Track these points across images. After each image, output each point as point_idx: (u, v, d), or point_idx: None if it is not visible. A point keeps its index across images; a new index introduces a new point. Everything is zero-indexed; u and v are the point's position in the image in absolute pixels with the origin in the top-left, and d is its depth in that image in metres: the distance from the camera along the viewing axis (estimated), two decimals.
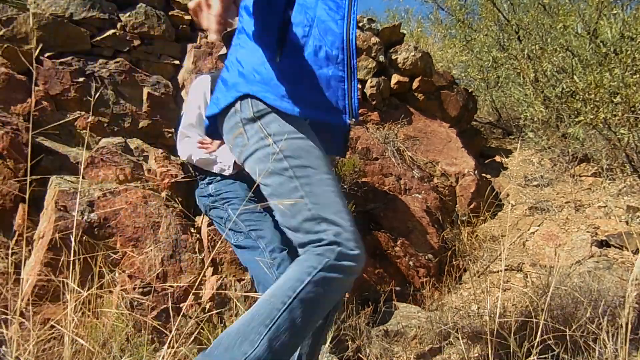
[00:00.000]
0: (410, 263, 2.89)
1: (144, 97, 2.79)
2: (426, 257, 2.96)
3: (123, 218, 2.18)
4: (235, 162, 2.20)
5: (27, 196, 1.37)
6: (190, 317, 2.05)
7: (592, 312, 1.77)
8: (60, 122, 2.43)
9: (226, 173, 2.22)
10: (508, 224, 3.27)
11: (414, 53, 3.90)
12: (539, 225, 3.33)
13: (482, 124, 5.30)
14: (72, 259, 1.44)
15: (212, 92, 2.33)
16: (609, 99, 3.56)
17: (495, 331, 1.44)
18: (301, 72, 1.34)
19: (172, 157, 2.61)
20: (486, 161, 4.31)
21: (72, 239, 1.45)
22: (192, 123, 2.30)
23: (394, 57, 3.88)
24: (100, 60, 2.74)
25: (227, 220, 2.17)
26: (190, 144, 2.28)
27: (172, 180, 2.45)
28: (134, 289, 2.02)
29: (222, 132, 1.45)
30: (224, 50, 2.54)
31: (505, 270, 2.75)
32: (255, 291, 2.08)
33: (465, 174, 3.66)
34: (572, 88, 3.84)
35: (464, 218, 3.40)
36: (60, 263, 1.85)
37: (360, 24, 3.82)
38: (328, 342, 1.89)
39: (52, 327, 1.52)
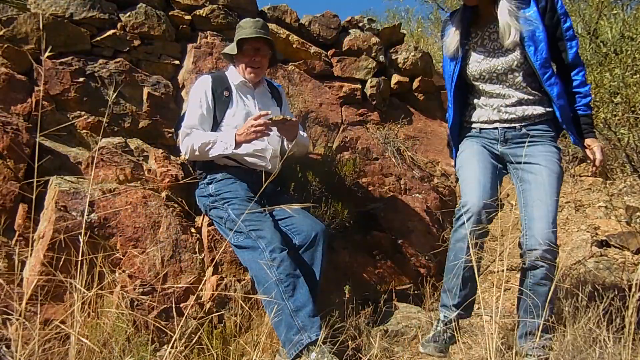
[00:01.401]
0: (411, 263, 2.89)
1: (144, 97, 2.79)
2: (426, 257, 2.95)
3: (123, 218, 2.18)
4: (235, 140, 2.18)
5: (34, 196, 1.37)
6: (193, 318, 2.04)
7: (592, 312, 1.77)
8: (66, 124, 2.43)
9: (228, 151, 2.19)
10: (508, 224, 3.27)
11: (414, 53, 3.90)
12: None
13: None
14: (80, 259, 1.44)
15: (213, 91, 2.34)
16: (609, 99, 3.56)
17: (495, 331, 1.44)
18: None
19: (172, 157, 2.61)
20: None
21: (80, 239, 1.45)
22: (194, 122, 2.29)
23: (394, 57, 3.88)
24: (100, 60, 2.74)
25: (227, 220, 2.17)
26: (191, 137, 2.27)
27: (172, 181, 2.45)
28: (134, 289, 2.02)
29: None
30: (227, 49, 2.51)
31: (505, 270, 2.74)
32: (256, 291, 2.08)
33: None
34: None
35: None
36: (61, 263, 1.85)
37: (360, 24, 3.82)
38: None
39: (54, 327, 1.52)
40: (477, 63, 1.99)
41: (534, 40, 1.85)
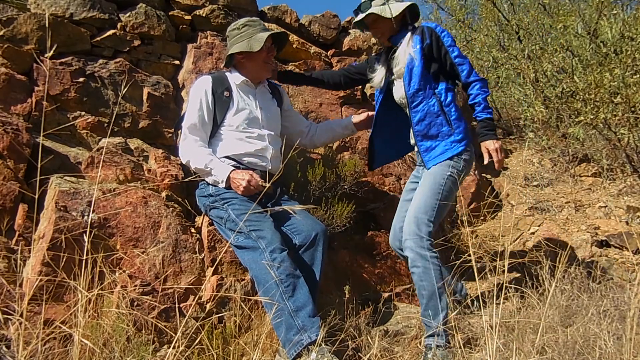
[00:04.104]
0: None
1: (144, 97, 2.79)
2: None
3: (123, 218, 2.18)
4: (228, 178, 2.19)
5: (36, 196, 1.37)
6: (193, 318, 2.04)
7: (592, 312, 1.77)
8: (66, 125, 2.43)
9: (220, 186, 2.22)
10: (508, 224, 3.27)
11: None
12: (539, 226, 3.33)
13: None
14: (84, 258, 1.44)
15: (213, 92, 2.33)
16: (609, 99, 3.56)
17: (495, 331, 1.44)
18: None
19: (172, 157, 2.61)
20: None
21: (83, 239, 1.46)
22: (194, 123, 2.28)
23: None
24: (100, 60, 2.73)
25: (227, 220, 2.17)
26: (190, 148, 2.27)
27: (172, 181, 2.45)
28: (135, 289, 2.02)
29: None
30: (242, 47, 2.47)
31: (506, 270, 2.74)
32: (256, 292, 2.08)
33: None
34: (572, 88, 3.84)
35: (464, 218, 3.40)
36: (62, 263, 1.85)
37: None
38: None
39: (56, 327, 1.52)
40: (395, 92, 2.38)
41: (410, 74, 2.21)
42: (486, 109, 2.16)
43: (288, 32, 3.31)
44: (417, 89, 2.20)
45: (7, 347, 1.72)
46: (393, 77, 2.36)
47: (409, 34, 2.27)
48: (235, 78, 2.42)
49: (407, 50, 2.23)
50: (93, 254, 1.86)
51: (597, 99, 3.58)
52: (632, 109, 3.51)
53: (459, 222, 3.35)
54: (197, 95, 2.32)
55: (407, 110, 2.32)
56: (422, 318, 2.10)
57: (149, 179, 2.44)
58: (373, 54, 2.58)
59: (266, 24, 3.34)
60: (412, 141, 2.38)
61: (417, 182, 2.36)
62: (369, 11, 2.24)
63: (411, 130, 2.35)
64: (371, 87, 2.42)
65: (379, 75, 2.42)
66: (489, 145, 2.13)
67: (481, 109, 2.16)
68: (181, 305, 2.10)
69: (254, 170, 2.29)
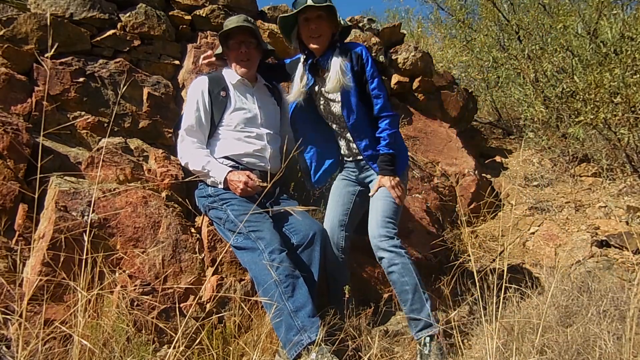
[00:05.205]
0: None
1: (144, 97, 2.79)
2: (426, 257, 2.95)
3: (123, 218, 2.18)
4: (225, 179, 2.20)
5: (36, 196, 1.37)
6: (193, 318, 2.04)
7: (592, 312, 1.77)
8: (66, 124, 2.43)
9: (219, 187, 2.22)
10: (508, 224, 3.27)
11: (414, 53, 3.90)
12: (539, 225, 3.33)
13: (482, 124, 5.30)
14: (84, 257, 1.44)
15: (210, 92, 2.33)
16: (609, 99, 3.56)
17: (495, 331, 1.44)
18: None
19: (172, 157, 2.61)
20: (486, 161, 4.31)
21: (83, 239, 1.46)
22: (191, 125, 2.29)
23: (394, 57, 3.88)
24: (100, 60, 2.74)
25: (226, 221, 2.17)
26: (188, 150, 2.27)
27: (172, 181, 2.44)
28: (135, 289, 2.02)
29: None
30: (219, 50, 2.51)
31: (505, 269, 2.74)
32: (256, 292, 2.08)
33: (465, 174, 3.67)
34: (572, 88, 3.84)
35: (464, 218, 3.40)
36: (61, 263, 1.85)
37: (360, 24, 3.82)
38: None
39: (56, 327, 1.52)
40: (322, 106, 2.36)
41: (349, 104, 2.22)
42: (389, 145, 2.23)
43: (275, 34, 3.29)
44: (356, 119, 2.24)
45: (7, 347, 1.72)
46: (318, 89, 2.33)
47: (339, 53, 2.23)
48: (231, 78, 2.42)
49: (341, 73, 2.17)
50: (93, 254, 1.86)
51: (597, 99, 3.58)
52: (632, 109, 3.51)
53: (459, 222, 3.35)
54: (193, 97, 2.33)
55: (335, 125, 2.38)
56: (409, 315, 2.12)
57: (149, 179, 2.44)
58: (290, 60, 2.50)
59: (266, 24, 3.35)
60: (346, 153, 2.44)
61: (356, 188, 2.44)
62: (328, 3, 2.15)
63: (342, 144, 2.43)
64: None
65: (296, 91, 2.31)
66: (386, 183, 2.23)
67: (385, 144, 2.23)
68: (181, 305, 2.10)
69: (253, 171, 2.29)
